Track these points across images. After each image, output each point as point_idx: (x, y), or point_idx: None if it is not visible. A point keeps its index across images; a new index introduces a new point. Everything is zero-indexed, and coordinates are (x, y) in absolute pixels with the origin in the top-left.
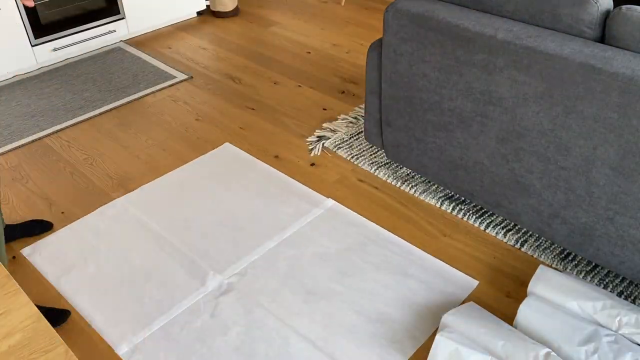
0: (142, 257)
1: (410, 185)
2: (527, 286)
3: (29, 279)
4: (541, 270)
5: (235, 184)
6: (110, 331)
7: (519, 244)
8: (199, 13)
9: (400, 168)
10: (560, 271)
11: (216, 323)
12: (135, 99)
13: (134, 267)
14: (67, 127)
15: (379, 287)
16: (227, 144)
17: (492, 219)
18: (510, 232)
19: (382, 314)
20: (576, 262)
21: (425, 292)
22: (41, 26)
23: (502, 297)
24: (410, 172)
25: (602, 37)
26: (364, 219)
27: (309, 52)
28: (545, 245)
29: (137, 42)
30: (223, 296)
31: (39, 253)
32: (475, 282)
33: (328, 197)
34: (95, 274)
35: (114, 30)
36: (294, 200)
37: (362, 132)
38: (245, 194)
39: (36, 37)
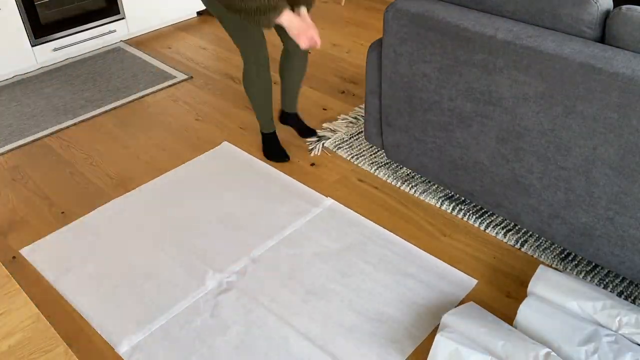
0: (142, 257)
1: (410, 185)
2: (527, 286)
3: (29, 279)
4: (541, 270)
5: (234, 184)
6: (110, 330)
7: (519, 244)
8: (199, 13)
9: (400, 168)
10: (560, 271)
11: (216, 322)
12: (135, 99)
13: (134, 266)
14: (67, 127)
15: (378, 286)
16: (225, 142)
17: (492, 219)
18: (510, 232)
19: (382, 314)
20: (576, 262)
21: (424, 291)
22: (41, 26)
23: (502, 297)
24: (410, 172)
25: (602, 37)
26: (363, 218)
27: (309, 52)
28: (545, 245)
29: (137, 42)
30: (222, 295)
31: (39, 253)
32: (475, 281)
33: (327, 197)
34: (94, 274)
35: (114, 30)
36: (293, 200)
37: (362, 132)
38: (245, 193)
39: (36, 37)
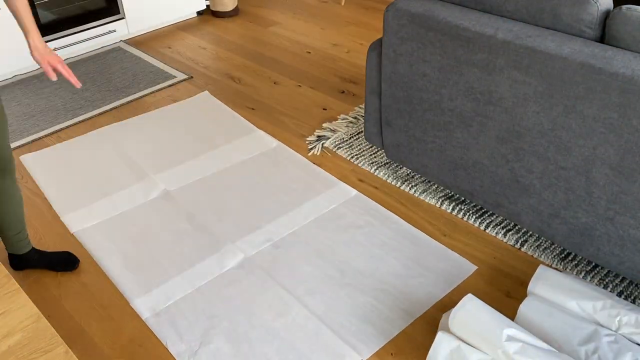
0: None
1: (410, 185)
2: (527, 286)
3: (29, 279)
4: (541, 270)
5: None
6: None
7: (519, 244)
8: (199, 13)
9: (400, 168)
10: (560, 271)
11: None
12: (135, 99)
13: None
14: (67, 127)
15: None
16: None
17: (492, 219)
18: (510, 232)
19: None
20: (576, 262)
21: (424, 290)
22: (41, 26)
23: (502, 297)
24: (410, 172)
25: (602, 37)
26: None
27: (309, 52)
28: (545, 245)
29: (137, 42)
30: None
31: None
32: (474, 267)
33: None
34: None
35: (114, 30)
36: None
37: (362, 132)
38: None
39: None
